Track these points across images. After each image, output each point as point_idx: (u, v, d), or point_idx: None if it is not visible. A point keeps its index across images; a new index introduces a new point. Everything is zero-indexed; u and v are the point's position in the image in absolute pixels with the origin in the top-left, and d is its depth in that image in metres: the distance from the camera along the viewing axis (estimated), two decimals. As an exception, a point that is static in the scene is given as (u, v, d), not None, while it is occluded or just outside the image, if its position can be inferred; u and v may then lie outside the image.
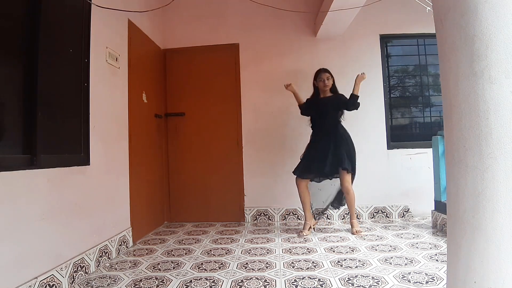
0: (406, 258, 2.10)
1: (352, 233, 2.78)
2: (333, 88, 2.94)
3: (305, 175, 2.86)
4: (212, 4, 3.59)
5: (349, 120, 3.41)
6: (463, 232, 0.89)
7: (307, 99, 3.01)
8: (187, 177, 3.51)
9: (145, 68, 3.12)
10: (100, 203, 2.22)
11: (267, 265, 2.08)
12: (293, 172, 2.90)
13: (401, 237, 2.61)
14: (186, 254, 2.37)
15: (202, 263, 2.15)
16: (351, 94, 2.83)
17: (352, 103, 2.83)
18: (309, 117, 3.01)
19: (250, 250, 2.43)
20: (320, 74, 2.93)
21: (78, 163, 1.98)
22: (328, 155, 2.75)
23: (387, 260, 2.08)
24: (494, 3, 0.83)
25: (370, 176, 3.35)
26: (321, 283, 1.76)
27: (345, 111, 2.93)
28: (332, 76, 2.92)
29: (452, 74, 0.93)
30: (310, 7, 3.43)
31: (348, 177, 2.78)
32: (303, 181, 2.87)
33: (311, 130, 3.00)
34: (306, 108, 2.99)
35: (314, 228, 2.95)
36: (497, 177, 0.82)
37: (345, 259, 2.13)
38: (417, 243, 2.42)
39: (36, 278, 1.57)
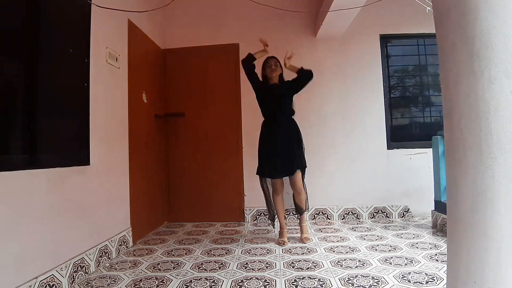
0: (406, 258, 2.10)
1: (302, 240, 2.57)
2: (281, 78, 2.70)
3: (276, 174, 2.59)
4: (212, 4, 3.59)
5: (349, 120, 3.43)
6: (463, 232, 0.89)
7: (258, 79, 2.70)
8: (187, 177, 3.51)
9: (145, 68, 3.11)
10: (100, 203, 2.22)
11: (267, 265, 2.08)
12: (259, 173, 2.67)
13: (401, 237, 2.61)
14: (186, 254, 2.37)
15: (202, 263, 2.15)
16: (297, 70, 2.62)
17: (302, 74, 2.60)
18: (260, 106, 2.70)
19: (250, 250, 2.43)
20: (268, 60, 2.68)
21: (78, 163, 1.98)
22: (283, 153, 2.53)
23: (387, 260, 2.08)
24: (493, 3, 0.83)
25: (370, 176, 3.35)
26: (321, 283, 1.76)
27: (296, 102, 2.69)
28: (280, 66, 2.68)
29: (452, 74, 0.93)
30: (310, 7, 3.43)
31: (300, 176, 2.59)
32: (279, 181, 2.61)
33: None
34: (254, 76, 2.66)
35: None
36: (497, 177, 0.82)
37: (345, 259, 2.13)
38: (417, 243, 2.42)
39: (36, 278, 1.57)
